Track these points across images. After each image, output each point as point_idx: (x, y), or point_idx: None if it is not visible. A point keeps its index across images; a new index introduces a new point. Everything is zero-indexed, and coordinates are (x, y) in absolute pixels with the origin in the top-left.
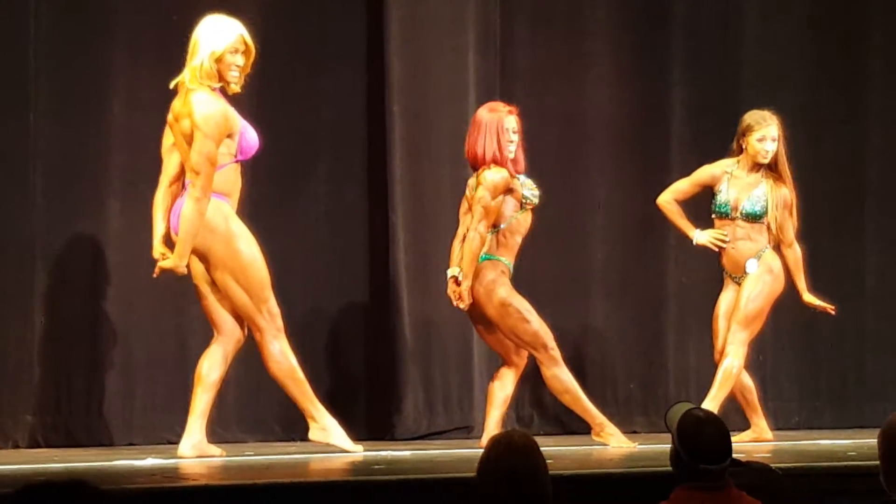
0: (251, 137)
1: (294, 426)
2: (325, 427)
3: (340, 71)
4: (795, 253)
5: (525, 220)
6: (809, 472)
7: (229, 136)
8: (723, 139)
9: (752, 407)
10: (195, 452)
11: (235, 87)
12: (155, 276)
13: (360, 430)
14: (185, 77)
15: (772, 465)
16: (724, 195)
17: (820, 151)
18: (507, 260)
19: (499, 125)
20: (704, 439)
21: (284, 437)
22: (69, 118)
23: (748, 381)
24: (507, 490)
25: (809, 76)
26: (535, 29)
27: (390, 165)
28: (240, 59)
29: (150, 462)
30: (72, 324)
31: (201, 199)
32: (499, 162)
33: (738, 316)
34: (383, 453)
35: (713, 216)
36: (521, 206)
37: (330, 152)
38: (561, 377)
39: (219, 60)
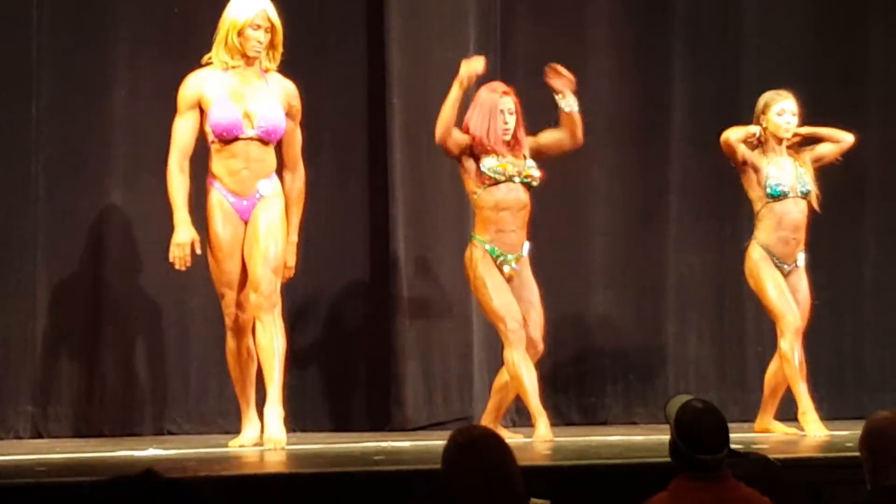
0: (213, 116)
1: (294, 417)
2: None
3: (341, 63)
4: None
5: (488, 197)
6: (807, 462)
7: (202, 112)
8: (722, 131)
9: (771, 402)
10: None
11: (270, 65)
12: None
13: (360, 420)
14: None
15: (770, 455)
16: (774, 178)
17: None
18: (479, 237)
19: (492, 106)
20: (702, 430)
21: (286, 428)
22: (71, 109)
23: (783, 377)
24: (474, 485)
25: (810, 70)
26: (536, 21)
27: (391, 158)
28: (262, 35)
29: (152, 452)
30: (73, 314)
31: (167, 170)
32: (479, 145)
33: (801, 310)
34: (383, 444)
35: (767, 199)
36: (483, 183)
37: (331, 145)
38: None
39: (240, 34)
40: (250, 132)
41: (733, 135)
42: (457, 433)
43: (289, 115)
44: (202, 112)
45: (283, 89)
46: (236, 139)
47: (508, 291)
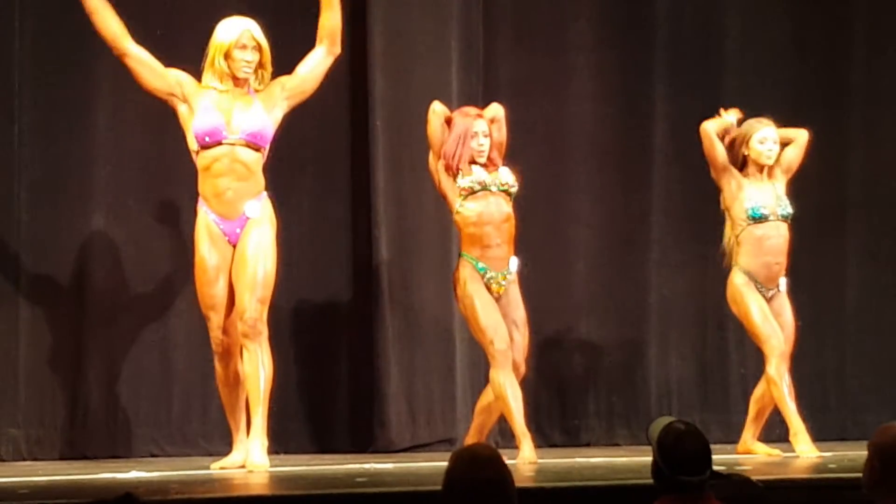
0: (196, 122)
1: (277, 439)
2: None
3: (323, 85)
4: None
5: (469, 213)
6: (790, 484)
7: (176, 99)
8: (704, 154)
9: (755, 424)
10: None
11: (260, 87)
12: None
13: (342, 442)
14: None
15: (752, 477)
16: (755, 200)
17: (802, 163)
18: (467, 254)
19: (466, 131)
20: (684, 451)
21: (269, 451)
22: (54, 132)
23: (770, 400)
24: (472, 498)
25: (791, 89)
26: (518, 43)
27: (373, 179)
28: (249, 55)
29: (135, 475)
30: (56, 336)
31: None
32: (449, 167)
33: (786, 334)
34: (366, 466)
35: (747, 224)
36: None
37: (314, 166)
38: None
39: (227, 56)
40: (234, 137)
41: (710, 124)
42: (460, 450)
43: (290, 83)
44: (174, 98)
45: (268, 95)
46: (220, 143)
47: (497, 310)
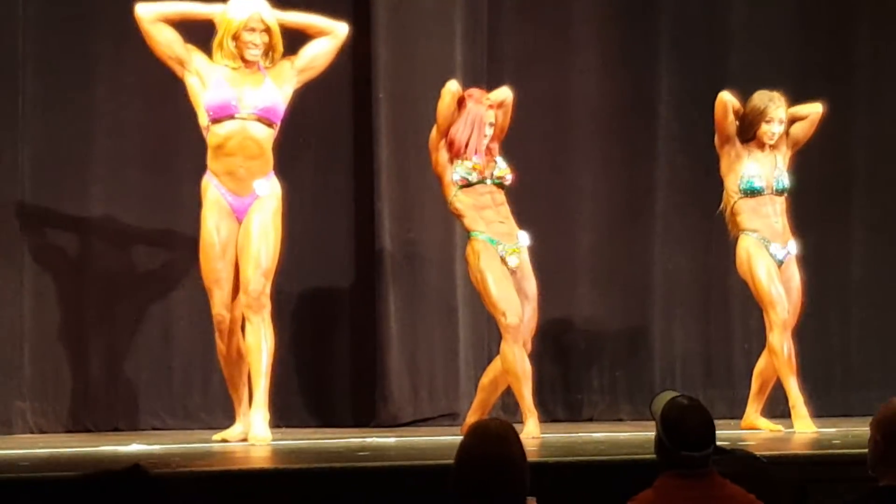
0: (208, 96)
1: (279, 413)
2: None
3: None
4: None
5: (461, 204)
6: (794, 460)
7: (185, 70)
8: (709, 127)
9: (759, 399)
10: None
11: (268, 64)
12: None
13: (345, 416)
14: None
15: (756, 452)
16: (754, 170)
17: (811, 138)
18: (474, 231)
19: (478, 119)
20: (687, 426)
21: (271, 425)
22: (56, 104)
23: (772, 374)
24: (484, 477)
25: (796, 64)
26: (523, 16)
27: (376, 152)
28: (257, 38)
29: (136, 448)
30: (59, 308)
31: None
32: (458, 151)
33: (793, 302)
34: (368, 440)
35: (739, 196)
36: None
37: (316, 139)
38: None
39: (235, 38)
40: (246, 112)
41: (730, 96)
42: (474, 425)
43: (299, 63)
44: (183, 67)
45: (279, 71)
46: (231, 118)
47: (510, 284)
